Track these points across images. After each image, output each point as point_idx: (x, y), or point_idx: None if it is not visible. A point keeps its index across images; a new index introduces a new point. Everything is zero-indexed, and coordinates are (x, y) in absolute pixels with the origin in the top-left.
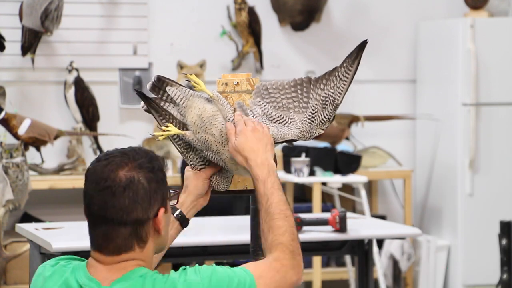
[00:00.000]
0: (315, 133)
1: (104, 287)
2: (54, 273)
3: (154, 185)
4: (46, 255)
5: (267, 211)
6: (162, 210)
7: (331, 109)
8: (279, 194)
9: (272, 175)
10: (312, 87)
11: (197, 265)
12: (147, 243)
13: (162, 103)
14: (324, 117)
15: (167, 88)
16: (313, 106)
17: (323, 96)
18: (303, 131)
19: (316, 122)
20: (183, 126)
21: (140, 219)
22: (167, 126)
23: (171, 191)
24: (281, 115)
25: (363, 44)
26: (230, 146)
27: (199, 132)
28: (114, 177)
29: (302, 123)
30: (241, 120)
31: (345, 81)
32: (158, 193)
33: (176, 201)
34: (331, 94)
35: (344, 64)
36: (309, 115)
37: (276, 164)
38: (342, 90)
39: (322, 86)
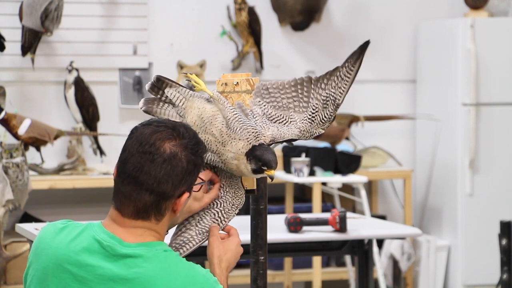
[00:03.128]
0: (316, 132)
1: (128, 243)
2: (66, 227)
3: (191, 168)
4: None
5: None
6: (186, 194)
7: (331, 109)
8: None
9: (226, 273)
10: (312, 86)
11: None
12: (163, 217)
13: (161, 104)
14: (325, 116)
15: (166, 90)
16: (313, 105)
17: (324, 96)
18: (304, 131)
19: (317, 121)
20: None
21: (166, 193)
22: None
23: (198, 181)
24: (281, 114)
25: (365, 44)
26: (213, 237)
27: (199, 132)
28: (159, 145)
29: (302, 122)
30: (236, 234)
31: (347, 81)
32: (191, 177)
33: (198, 190)
34: (332, 94)
35: (346, 64)
36: (310, 115)
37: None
38: (343, 90)
39: (323, 86)
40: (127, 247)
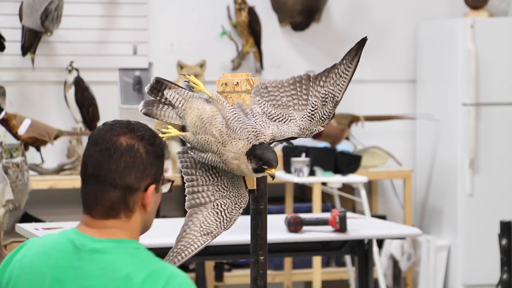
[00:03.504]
0: (315, 130)
1: (99, 238)
2: (41, 238)
3: (152, 158)
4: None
5: None
6: (152, 186)
7: (331, 106)
8: None
9: None
10: (311, 84)
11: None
12: (134, 213)
13: (160, 106)
14: (324, 114)
15: (165, 92)
16: (312, 103)
17: (322, 93)
18: (303, 128)
19: (316, 119)
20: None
21: (130, 186)
22: (167, 128)
23: (166, 179)
24: (280, 113)
25: (363, 41)
26: None
27: (199, 133)
28: (115, 140)
29: (302, 120)
30: None
31: (345, 78)
32: (153, 167)
33: (169, 189)
34: (331, 91)
35: (344, 61)
36: (309, 112)
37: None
38: (341, 87)
39: (321, 83)
40: (98, 242)
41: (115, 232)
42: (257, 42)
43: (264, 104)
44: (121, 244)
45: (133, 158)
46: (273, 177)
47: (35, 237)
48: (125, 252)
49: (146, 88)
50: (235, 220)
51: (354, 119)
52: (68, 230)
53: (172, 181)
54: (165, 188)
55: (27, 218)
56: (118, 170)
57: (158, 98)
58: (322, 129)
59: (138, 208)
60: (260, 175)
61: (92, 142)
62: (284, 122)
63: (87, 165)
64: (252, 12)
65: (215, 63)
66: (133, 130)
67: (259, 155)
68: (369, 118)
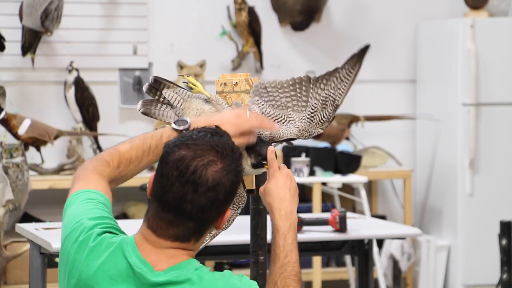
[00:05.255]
0: (314, 132)
1: (158, 272)
2: (100, 243)
3: (234, 189)
4: (46, 255)
5: (284, 267)
6: (229, 211)
7: (331, 109)
8: (297, 253)
9: (293, 230)
10: (311, 86)
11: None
12: (203, 236)
13: (159, 106)
14: (324, 116)
15: (164, 91)
16: (312, 105)
17: (323, 96)
18: (302, 130)
19: (316, 121)
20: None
21: (211, 219)
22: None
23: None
24: (279, 114)
25: (365, 48)
26: (261, 189)
27: None
28: (202, 174)
29: (301, 121)
30: (275, 161)
31: (346, 83)
32: (233, 196)
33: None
34: (332, 94)
35: (346, 66)
36: (308, 114)
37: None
38: (342, 92)
39: (322, 86)
40: (158, 276)
41: (176, 253)
42: (257, 42)
43: (263, 105)
44: (181, 270)
45: (218, 194)
46: None
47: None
48: (187, 280)
49: (144, 87)
50: (233, 220)
51: (354, 119)
52: (129, 243)
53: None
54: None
55: (27, 218)
56: (201, 205)
57: (156, 97)
58: (321, 131)
59: (209, 230)
60: (259, 171)
61: (175, 167)
62: (283, 123)
63: (167, 192)
64: (252, 12)
65: (215, 63)
66: (219, 158)
67: (258, 151)
68: (369, 118)
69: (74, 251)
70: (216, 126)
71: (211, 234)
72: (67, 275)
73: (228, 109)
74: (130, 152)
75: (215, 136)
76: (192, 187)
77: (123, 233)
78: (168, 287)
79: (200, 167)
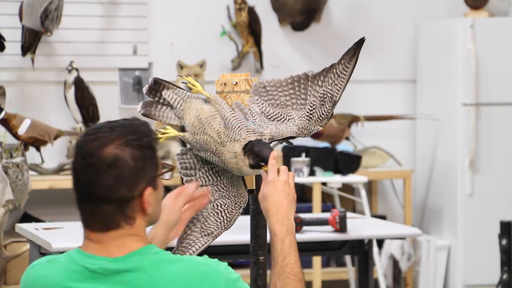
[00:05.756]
0: (314, 129)
1: (117, 257)
2: (51, 262)
3: (141, 163)
4: (46, 255)
5: (283, 270)
6: (149, 189)
7: (329, 106)
8: (296, 255)
9: (291, 234)
10: (309, 83)
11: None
12: (134, 220)
13: (159, 107)
14: (323, 113)
15: (163, 92)
16: (311, 102)
17: (321, 93)
18: (302, 128)
19: (315, 118)
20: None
21: (124, 197)
22: (166, 128)
23: (164, 166)
24: (279, 112)
25: (361, 41)
26: (260, 195)
27: (197, 134)
28: (99, 154)
29: (300, 119)
30: (274, 167)
31: (343, 78)
32: (144, 172)
33: (169, 177)
34: (329, 91)
35: (342, 61)
36: (307, 112)
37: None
38: (340, 87)
39: (320, 83)
40: (118, 262)
41: (124, 242)
42: (257, 42)
43: (262, 104)
44: (141, 255)
45: (120, 170)
46: None
47: (34, 269)
48: (151, 264)
49: (144, 89)
50: (235, 220)
51: (354, 119)
52: (74, 253)
53: (171, 168)
54: (166, 176)
55: (27, 218)
56: (107, 185)
57: (156, 98)
58: (321, 128)
59: (138, 214)
60: (257, 172)
61: (78, 156)
62: (283, 121)
63: (77, 180)
64: (252, 12)
65: (215, 63)
66: (117, 137)
67: (256, 152)
68: (369, 118)
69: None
70: (134, 117)
71: (213, 234)
72: None
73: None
74: None
75: (120, 121)
76: (93, 168)
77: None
78: (133, 273)
79: (96, 148)
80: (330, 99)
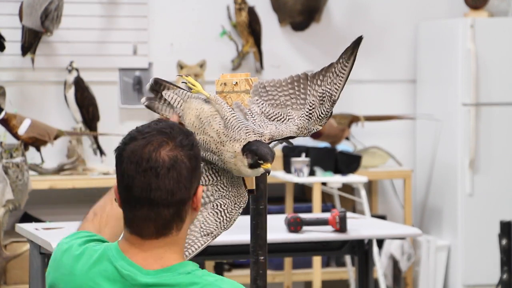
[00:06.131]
0: (313, 129)
1: (147, 271)
2: (83, 253)
3: (195, 162)
4: (46, 255)
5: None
6: (201, 188)
7: (328, 105)
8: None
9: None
10: (309, 83)
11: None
12: (184, 222)
13: (162, 101)
14: (322, 113)
15: (164, 93)
16: (310, 102)
17: (320, 92)
18: (301, 128)
19: (314, 118)
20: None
21: (183, 199)
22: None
23: None
24: (278, 112)
25: (359, 40)
26: None
27: (197, 134)
28: (156, 157)
29: (300, 119)
30: None
31: (342, 77)
32: (197, 171)
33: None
34: (328, 90)
35: (340, 60)
36: (307, 111)
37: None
38: (339, 86)
39: (319, 82)
40: (148, 276)
41: (164, 254)
42: (257, 42)
43: (262, 104)
44: (172, 273)
45: (179, 172)
46: (268, 172)
47: (68, 253)
48: (179, 284)
49: (147, 86)
50: (235, 220)
51: (354, 119)
52: (113, 250)
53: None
54: None
55: (27, 218)
56: (168, 188)
57: (158, 98)
58: (320, 128)
59: (189, 214)
60: (256, 171)
61: (131, 162)
62: (283, 121)
63: (132, 188)
64: (252, 12)
65: (215, 63)
66: (169, 138)
67: (254, 150)
68: (369, 118)
69: (54, 268)
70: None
71: (212, 234)
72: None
73: (227, 109)
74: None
75: (160, 123)
76: (153, 173)
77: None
78: None
79: (152, 152)
80: (329, 98)
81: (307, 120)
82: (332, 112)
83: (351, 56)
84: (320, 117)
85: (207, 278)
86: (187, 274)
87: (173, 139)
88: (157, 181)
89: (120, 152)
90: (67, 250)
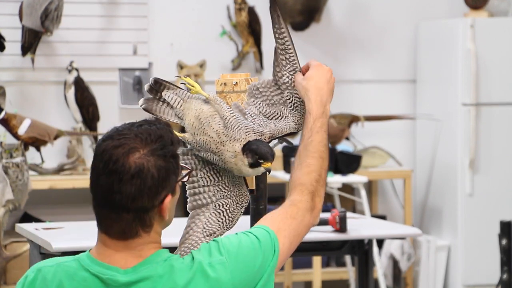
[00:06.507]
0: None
1: (127, 269)
2: (55, 272)
3: (164, 173)
4: (46, 255)
5: (306, 147)
6: (169, 197)
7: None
8: (324, 136)
9: (324, 117)
10: (277, 78)
11: (221, 238)
12: (152, 227)
13: (160, 103)
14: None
15: (163, 93)
16: (286, 96)
17: (286, 79)
18: (298, 122)
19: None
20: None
21: (144, 207)
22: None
23: (183, 171)
24: (275, 111)
25: (272, 1)
26: (298, 77)
27: (197, 134)
28: (123, 162)
29: (293, 115)
30: (320, 64)
31: (289, 47)
32: (167, 181)
33: (187, 179)
34: (290, 70)
35: (276, 35)
36: (290, 106)
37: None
38: (294, 57)
39: (279, 75)
40: (127, 274)
41: (142, 250)
42: (257, 42)
43: (259, 104)
44: (150, 265)
45: (144, 180)
46: (269, 171)
47: (43, 268)
48: (158, 274)
49: (145, 87)
50: (237, 220)
51: (354, 119)
52: (85, 260)
53: (190, 171)
54: (185, 179)
55: (27, 218)
56: (129, 194)
57: (157, 97)
58: None
59: (156, 220)
60: (256, 170)
61: (100, 159)
62: (280, 119)
63: (97, 184)
64: (252, 12)
65: (215, 63)
66: (142, 145)
67: (254, 149)
68: (369, 118)
69: None
70: (156, 118)
71: (215, 234)
72: None
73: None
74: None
75: (143, 126)
76: (116, 176)
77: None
78: (139, 285)
79: (121, 156)
80: (294, 73)
81: (297, 112)
82: None
83: (277, 18)
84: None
85: (185, 260)
86: (164, 262)
87: (146, 146)
88: (119, 185)
89: (96, 147)
90: (34, 279)
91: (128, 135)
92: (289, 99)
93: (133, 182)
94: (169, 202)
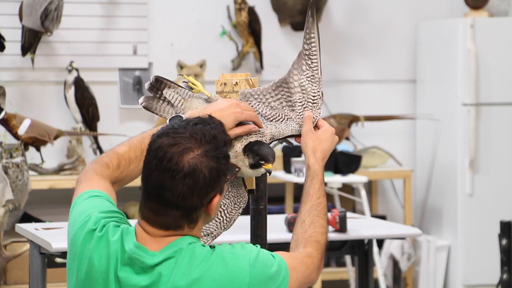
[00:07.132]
0: (316, 117)
1: (153, 252)
2: (105, 234)
3: (215, 174)
4: (46, 255)
5: (315, 207)
6: (217, 197)
7: (315, 86)
8: (325, 199)
9: (322, 176)
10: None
11: (242, 243)
12: (197, 224)
13: (160, 102)
14: (313, 96)
15: (164, 91)
16: (297, 98)
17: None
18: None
19: (310, 107)
20: None
21: (193, 206)
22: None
23: (233, 169)
24: (276, 113)
25: (313, 3)
26: (307, 128)
27: None
28: (177, 161)
29: (299, 118)
30: (328, 125)
31: (314, 53)
32: (217, 182)
33: (233, 176)
34: (309, 75)
35: (304, 40)
36: (300, 107)
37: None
38: (316, 64)
39: (295, 78)
40: (154, 256)
41: (174, 238)
42: (257, 42)
43: (258, 105)
44: (175, 247)
45: (195, 180)
46: (270, 172)
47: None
48: (182, 255)
49: (146, 85)
50: (235, 220)
51: (354, 119)
52: (129, 233)
53: (238, 170)
54: (233, 178)
55: (27, 218)
56: (180, 193)
57: (157, 96)
58: (319, 114)
59: (202, 217)
60: (257, 172)
61: (154, 156)
62: (281, 121)
63: (149, 179)
64: (252, 12)
65: (215, 63)
66: (196, 146)
67: (255, 151)
68: (369, 118)
69: (81, 243)
70: (210, 116)
71: (212, 235)
72: (75, 270)
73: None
74: (129, 153)
75: (199, 125)
76: (169, 174)
77: (129, 225)
78: (163, 264)
79: (176, 154)
80: (311, 79)
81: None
82: (322, 92)
83: (312, 23)
84: (314, 103)
85: (204, 250)
86: (189, 245)
87: (200, 147)
88: (171, 183)
89: (150, 142)
90: (90, 231)
91: (183, 134)
92: (300, 102)
93: (185, 182)
94: (217, 201)
